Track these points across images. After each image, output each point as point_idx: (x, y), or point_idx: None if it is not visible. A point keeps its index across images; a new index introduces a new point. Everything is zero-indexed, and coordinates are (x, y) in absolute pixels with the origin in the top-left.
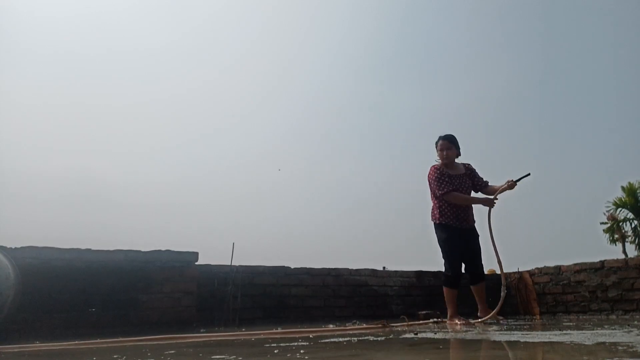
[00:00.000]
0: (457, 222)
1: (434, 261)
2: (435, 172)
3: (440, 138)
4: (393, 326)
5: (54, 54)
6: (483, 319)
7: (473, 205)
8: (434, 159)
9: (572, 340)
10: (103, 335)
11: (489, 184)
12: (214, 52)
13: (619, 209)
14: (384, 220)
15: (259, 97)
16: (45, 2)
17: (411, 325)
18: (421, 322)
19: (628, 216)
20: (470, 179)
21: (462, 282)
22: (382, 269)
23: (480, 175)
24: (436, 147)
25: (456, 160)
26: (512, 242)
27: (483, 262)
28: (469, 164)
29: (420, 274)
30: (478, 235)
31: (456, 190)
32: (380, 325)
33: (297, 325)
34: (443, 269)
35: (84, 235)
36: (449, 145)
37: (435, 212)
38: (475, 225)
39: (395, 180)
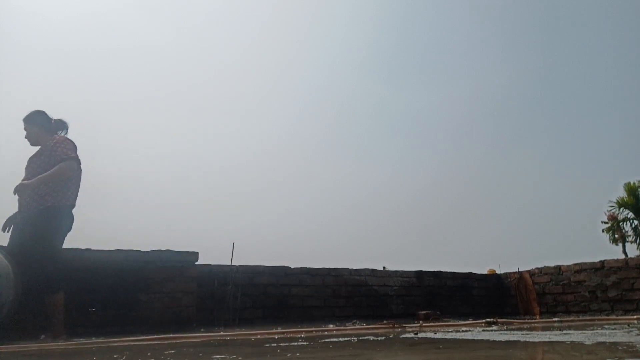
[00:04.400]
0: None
1: (434, 261)
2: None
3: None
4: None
5: (54, 54)
6: None
7: None
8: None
9: (572, 340)
10: (103, 335)
11: None
12: (214, 51)
13: (621, 209)
14: (384, 220)
15: (259, 96)
16: (45, 1)
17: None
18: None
19: (628, 216)
20: None
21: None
22: (382, 269)
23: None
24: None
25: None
26: (512, 242)
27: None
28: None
29: (420, 274)
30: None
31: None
32: (389, 326)
33: (297, 325)
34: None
35: (84, 235)
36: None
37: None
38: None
39: (396, 180)
